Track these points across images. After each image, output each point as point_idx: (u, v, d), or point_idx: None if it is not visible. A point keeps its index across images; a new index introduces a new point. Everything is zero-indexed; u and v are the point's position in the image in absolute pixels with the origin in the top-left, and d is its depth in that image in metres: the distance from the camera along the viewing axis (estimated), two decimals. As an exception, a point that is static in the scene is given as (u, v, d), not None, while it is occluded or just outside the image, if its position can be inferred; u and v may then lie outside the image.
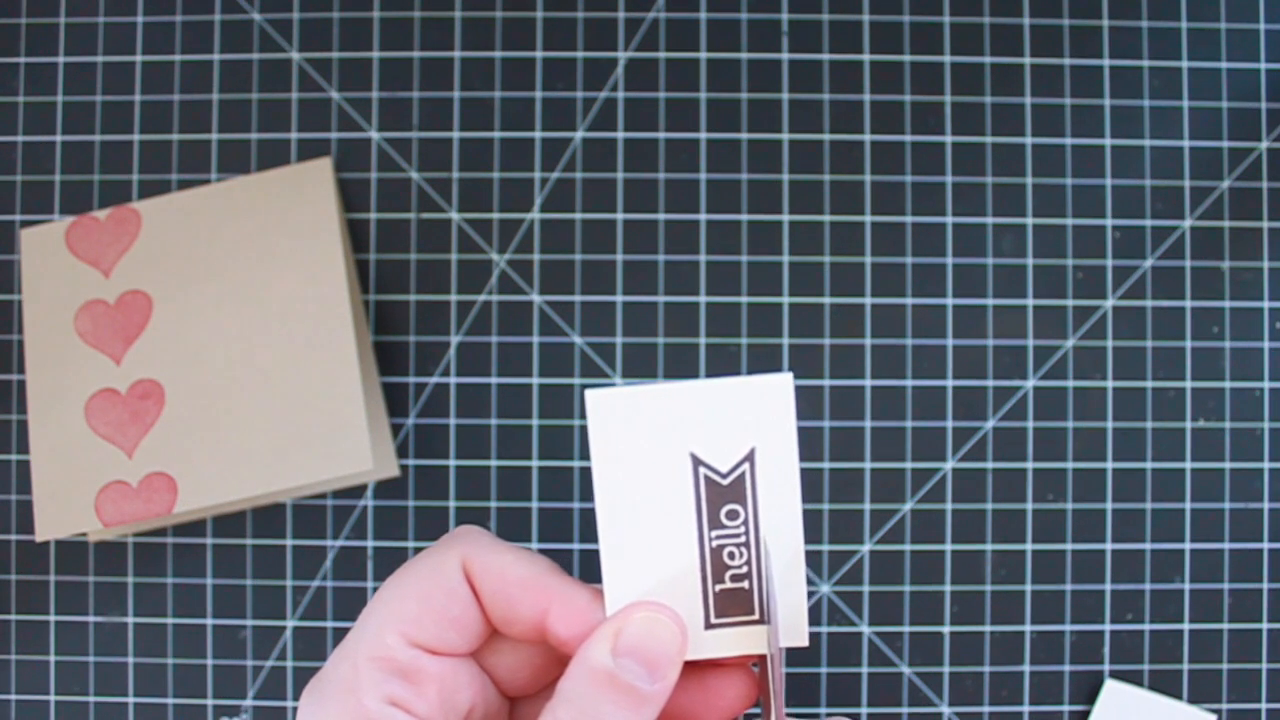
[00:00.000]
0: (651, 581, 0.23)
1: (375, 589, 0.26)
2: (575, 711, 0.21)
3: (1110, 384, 0.37)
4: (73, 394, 0.35)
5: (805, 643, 0.23)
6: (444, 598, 0.22)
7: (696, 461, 0.23)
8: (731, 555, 0.23)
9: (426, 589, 0.22)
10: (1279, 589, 0.36)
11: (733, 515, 0.23)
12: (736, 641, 0.23)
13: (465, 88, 0.37)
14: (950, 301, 0.37)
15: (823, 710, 0.36)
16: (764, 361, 0.37)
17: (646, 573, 0.23)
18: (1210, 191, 0.37)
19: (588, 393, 0.23)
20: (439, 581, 0.22)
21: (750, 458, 0.23)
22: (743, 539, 0.23)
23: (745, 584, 0.23)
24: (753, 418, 0.23)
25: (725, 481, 0.23)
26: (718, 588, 0.23)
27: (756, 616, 0.23)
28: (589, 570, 0.37)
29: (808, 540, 0.36)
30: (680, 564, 0.23)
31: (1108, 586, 0.36)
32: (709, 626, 0.23)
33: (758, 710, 0.24)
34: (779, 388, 0.23)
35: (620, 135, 0.37)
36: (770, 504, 0.23)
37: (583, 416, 0.36)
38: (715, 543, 0.23)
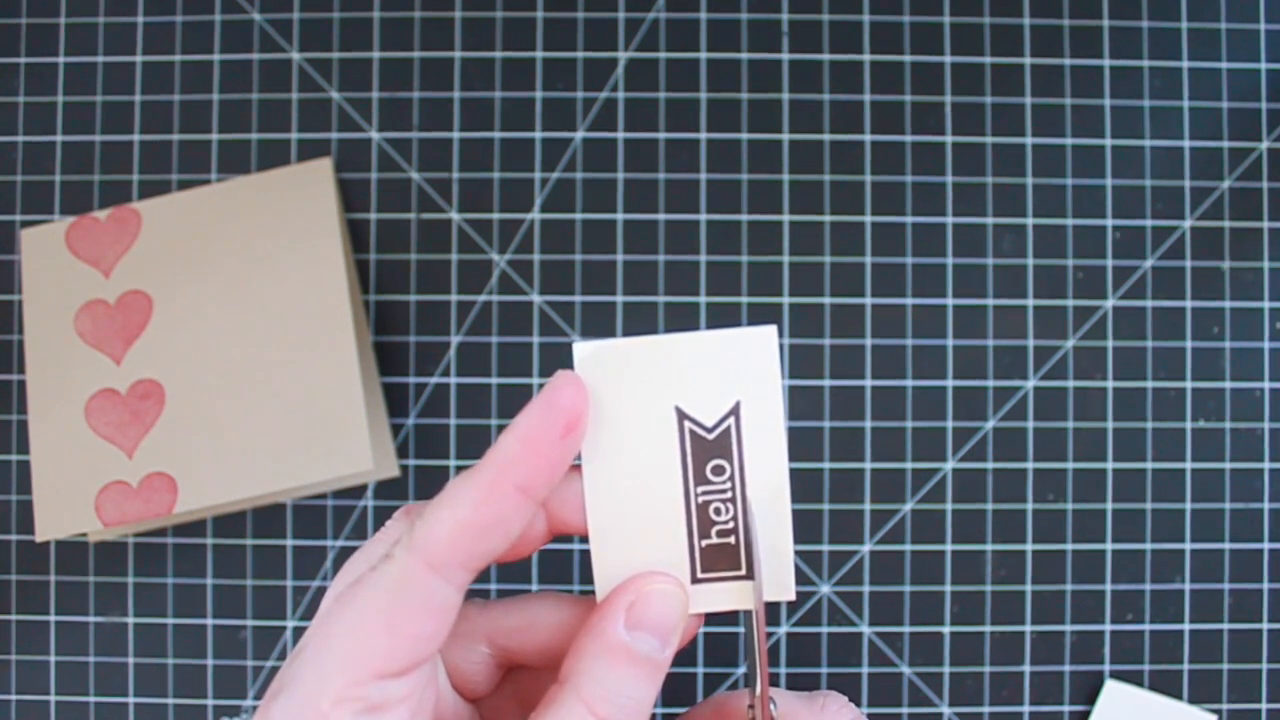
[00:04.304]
0: (638, 536, 0.23)
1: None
2: (599, 688, 0.21)
3: (1110, 384, 0.37)
4: (73, 394, 0.35)
5: (791, 596, 0.23)
6: (416, 618, 0.20)
7: (681, 415, 0.23)
8: (718, 511, 0.23)
9: (394, 615, 0.20)
10: (1279, 589, 0.36)
11: (718, 471, 0.23)
12: (723, 596, 0.23)
13: (465, 88, 0.37)
14: (950, 301, 0.37)
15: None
16: (764, 361, 0.37)
17: (633, 527, 0.23)
18: (1210, 191, 0.37)
19: (575, 345, 0.23)
20: (408, 602, 0.20)
21: (735, 411, 0.23)
22: (728, 495, 0.23)
23: (731, 540, 0.23)
24: (737, 371, 0.23)
25: (710, 436, 0.23)
26: (704, 543, 0.23)
27: (743, 572, 0.23)
28: (590, 571, 0.37)
29: (809, 540, 0.36)
30: (666, 519, 0.23)
31: (1108, 586, 0.36)
32: (695, 581, 0.23)
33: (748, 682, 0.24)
34: (763, 339, 0.23)
35: (620, 135, 0.37)
36: (756, 459, 0.23)
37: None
38: (701, 499, 0.23)
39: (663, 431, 0.23)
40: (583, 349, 0.23)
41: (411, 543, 0.21)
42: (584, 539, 0.36)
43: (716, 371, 0.23)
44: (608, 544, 0.23)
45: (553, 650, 0.24)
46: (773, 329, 0.23)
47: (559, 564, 0.37)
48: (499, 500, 0.21)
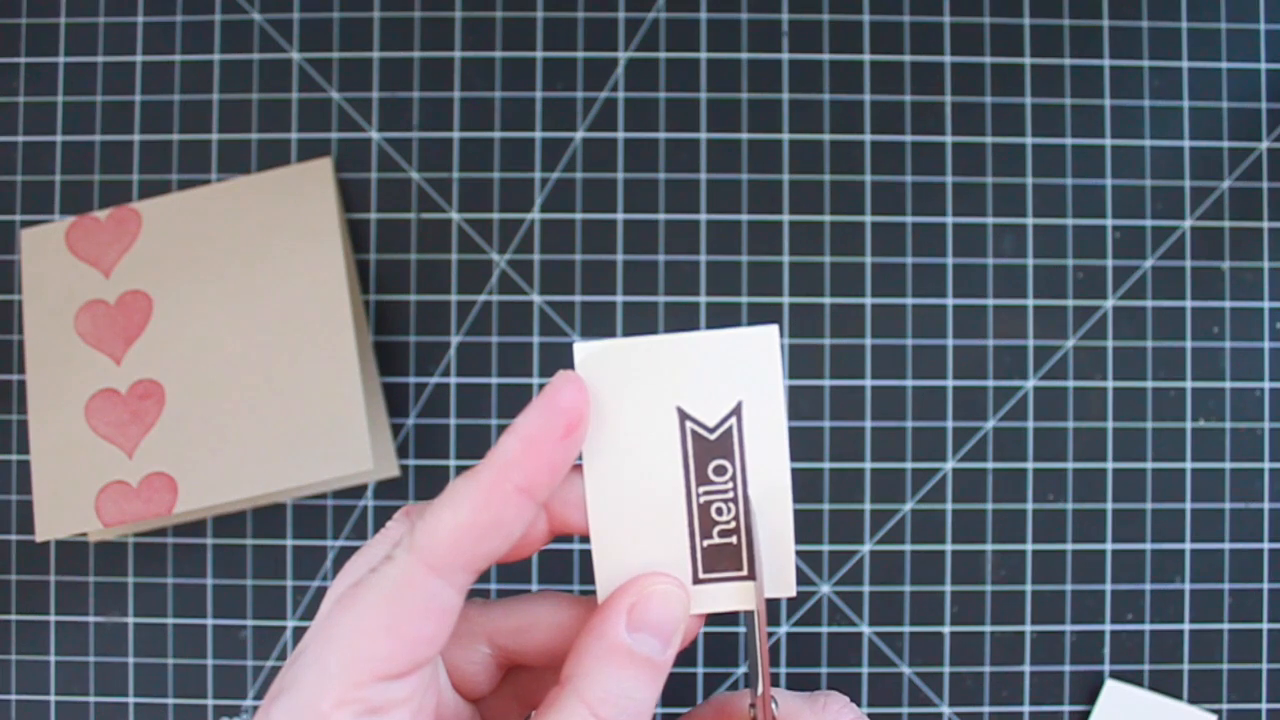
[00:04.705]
0: (639, 536, 0.23)
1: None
2: (600, 690, 0.21)
3: (1110, 384, 0.37)
4: (73, 394, 0.35)
5: (792, 593, 0.23)
6: (417, 620, 0.20)
7: (683, 416, 0.23)
8: (719, 511, 0.23)
9: (394, 617, 0.20)
10: (1279, 589, 0.36)
11: (720, 471, 0.23)
12: (724, 597, 0.23)
13: (465, 88, 0.37)
14: (950, 301, 0.37)
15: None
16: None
17: (634, 528, 0.23)
18: (1210, 191, 0.37)
19: (576, 346, 0.23)
20: (409, 605, 0.20)
21: (737, 412, 0.23)
22: (730, 495, 0.23)
23: (733, 539, 0.23)
24: (738, 370, 0.23)
25: (712, 437, 0.23)
26: (705, 543, 0.23)
27: (745, 572, 0.23)
28: (591, 571, 0.37)
29: (809, 540, 0.36)
30: (668, 519, 0.23)
31: (1108, 586, 0.36)
32: (697, 581, 0.23)
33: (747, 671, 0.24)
34: (764, 339, 0.23)
35: (620, 135, 0.37)
36: (758, 459, 0.23)
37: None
38: (703, 499, 0.23)
39: (664, 432, 0.23)
40: (583, 349, 0.23)
41: (412, 544, 0.21)
42: (585, 539, 0.36)
43: (718, 371, 0.23)
44: (609, 545, 0.23)
45: (553, 651, 0.24)
46: (774, 329, 0.23)
47: (559, 563, 0.37)
48: (500, 502, 0.21)
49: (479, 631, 0.24)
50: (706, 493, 0.23)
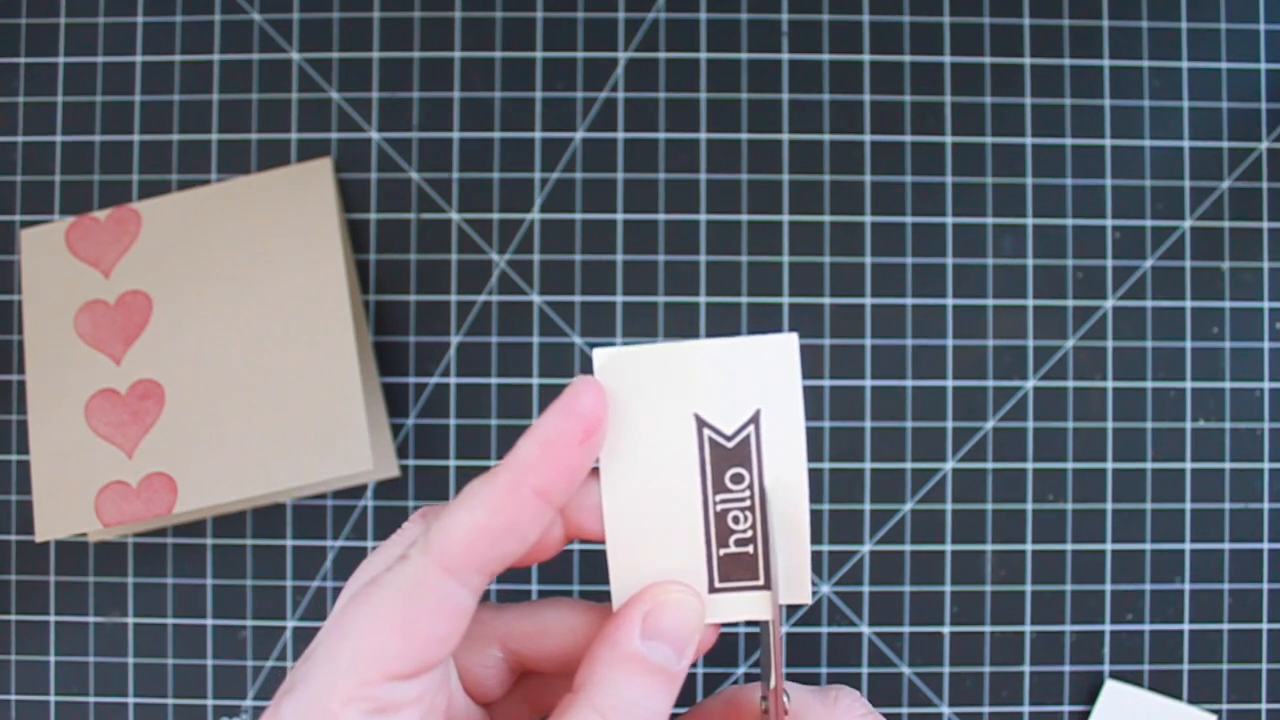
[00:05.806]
0: (655, 544, 0.23)
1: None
2: (613, 698, 0.21)
3: (1110, 384, 0.37)
4: (73, 394, 0.35)
5: (808, 600, 0.23)
6: (429, 620, 0.20)
7: (700, 423, 0.23)
8: (736, 519, 0.23)
9: (407, 616, 0.20)
10: (1279, 589, 0.36)
11: (737, 479, 0.23)
12: (740, 606, 0.23)
13: (465, 88, 0.37)
14: (950, 301, 0.37)
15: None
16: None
17: (650, 535, 0.23)
18: (1210, 191, 0.37)
19: (595, 351, 0.23)
20: (422, 604, 0.20)
21: (755, 420, 0.23)
22: (747, 503, 0.23)
23: (749, 548, 0.23)
24: (757, 379, 0.23)
25: (730, 444, 0.23)
26: (722, 552, 0.23)
27: (760, 582, 0.23)
28: (591, 571, 0.37)
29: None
30: (684, 527, 0.23)
31: (1108, 586, 0.36)
32: (712, 590, 0.23)
33: (759, 670, 0.24)
34: (784, 347, 0.22)
35: (620, 135, 0.37)
36: (775, 468, 0.23)
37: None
38: (719, 507, 0.23)
39: (682, 439, 0.23)
40: (603, 355, 0.23)
41: (427, 545, 0.21)
42: (588, 542, 0.36)
43: (737, 379, 0.22)
44: (625, 551, 0.23)
45: (566, 657, 0.24)
46: (794, 337, 0.22)
47: (560, 564, 0.37)
48: (516, 504, 0.21)
49: (492, 635, 0.24)
50: (723, 501, 0.23)
